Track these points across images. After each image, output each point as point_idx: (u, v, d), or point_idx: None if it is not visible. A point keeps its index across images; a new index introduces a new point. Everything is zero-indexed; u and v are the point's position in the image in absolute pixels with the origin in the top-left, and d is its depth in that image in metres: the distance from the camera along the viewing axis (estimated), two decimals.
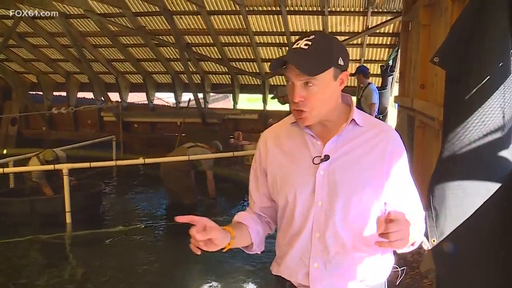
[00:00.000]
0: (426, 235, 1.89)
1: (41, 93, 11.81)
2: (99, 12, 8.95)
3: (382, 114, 7.43)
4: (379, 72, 8.57)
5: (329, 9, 7.89)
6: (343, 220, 1.45)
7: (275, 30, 8.85)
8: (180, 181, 6.72)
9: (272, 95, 7.59)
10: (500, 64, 1.76)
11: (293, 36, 8.76)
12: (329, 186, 1.45)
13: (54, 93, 12.00)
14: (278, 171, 1.53)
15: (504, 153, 1.77)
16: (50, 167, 6.29)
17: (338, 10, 7.99)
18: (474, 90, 1.79)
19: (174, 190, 6.83)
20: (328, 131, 1.50)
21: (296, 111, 1.46)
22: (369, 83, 7.20)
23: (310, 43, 1.41)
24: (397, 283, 1.88)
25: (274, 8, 8.16)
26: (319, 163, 1.46)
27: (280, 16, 8.30)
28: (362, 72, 7.23)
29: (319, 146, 1.48)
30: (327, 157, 1.45)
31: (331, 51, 1.43)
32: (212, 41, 9.26)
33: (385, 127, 1.56)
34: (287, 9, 8.06)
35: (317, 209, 1.46)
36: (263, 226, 1.64)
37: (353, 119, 1.48)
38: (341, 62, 1.44)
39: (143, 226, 6.26)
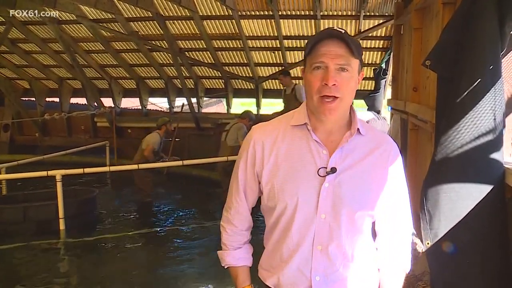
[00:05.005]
0: (420, 237, 1.89)
1: (33, 99, 11.76)
2: (91, 18, 8.93)
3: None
4: (372, 75, 8.60)
5: (321, 13, 7.92)
6: (348, 233, 1.42)
7: (267, 35, 8.87)
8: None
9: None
10: (491, 67, 1.77)
11: (285, 40, 8.79)
12: (334, 199, 1.40)
13: (47, 99, 11.95)
14: (277, 178, 1.45)
15: (495, 155, 1.78)
16: (43, 173, 6.27)
17: (330, 14, 8.03)
18: (466, 93, 1.80)
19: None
20: (334, 138, 1.45)
21: (324, 100, 1.38)
22: None
23: (342, 30, 1.40)
24: None
25: (266, 13, 8.18)
26: (325, 176, 1.40)
27: (272, 20, 8.32)
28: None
29: (325, 156, 1.43)
30: (334, 170, 1.40)
31: (359, 44, 1.44)
32: (205, 46, 9.26)
33: (386, 138, 1.53)
34: (280, 13, 8.08)
35: (320, 222, 1.41)
36: (250, 238, 1.67)
37: (357, 129, 1.45)
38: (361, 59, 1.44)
39: (136, 232, 6.24)
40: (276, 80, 10.35)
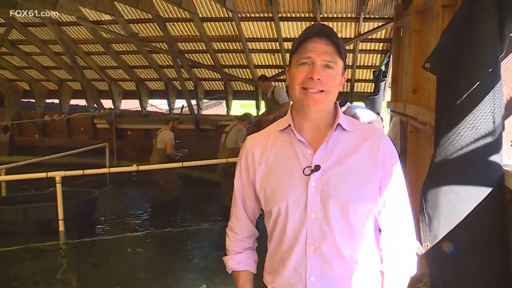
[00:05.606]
0: (419, 239, 1.90)
1: (33, 100, 11.77)
2: (91, 19, 8.94)
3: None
4: (371, 77, 8.61)
5: (321, 15, 7.92)
6: (340, 232, 1.41)
7: (267, 37, 8.88)
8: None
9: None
10: (490, 70, 1.78)
11: (285, 42, 8.80)
12: (322, 198, 1.40)
13: (47, 101, 11.97)
14: (268, 183, 1.48)
15: (495, 158, 1.79)
16: (42, 175, 6.27)
17: (330, 16, 8.03)
18: (465, 95, 1.81)
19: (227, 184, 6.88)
20: (320, 137, 1.46)
21: (308, 91, 1.40)
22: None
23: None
24: None
25: (266, 15, 8.19)
26: (310, 174, 1.42)
27: (272, 22, 8.33)
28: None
29: (309, 155, 1.44)
30: (317, 168, 1.41)
31: (344, 47, 1.47)
32: (205, 48, 9.27)
33: (374, 131, 1.52)
34: (280, 15, 8.09)
35: (310, 222, 1.41)
36: (254, 246, 1.69)
37: (339, 124, 1.46)
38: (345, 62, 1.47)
39: (136, 234, 6.24)
40: (277, 82, 10.37)
